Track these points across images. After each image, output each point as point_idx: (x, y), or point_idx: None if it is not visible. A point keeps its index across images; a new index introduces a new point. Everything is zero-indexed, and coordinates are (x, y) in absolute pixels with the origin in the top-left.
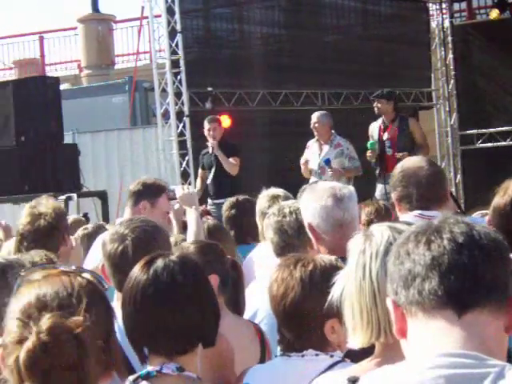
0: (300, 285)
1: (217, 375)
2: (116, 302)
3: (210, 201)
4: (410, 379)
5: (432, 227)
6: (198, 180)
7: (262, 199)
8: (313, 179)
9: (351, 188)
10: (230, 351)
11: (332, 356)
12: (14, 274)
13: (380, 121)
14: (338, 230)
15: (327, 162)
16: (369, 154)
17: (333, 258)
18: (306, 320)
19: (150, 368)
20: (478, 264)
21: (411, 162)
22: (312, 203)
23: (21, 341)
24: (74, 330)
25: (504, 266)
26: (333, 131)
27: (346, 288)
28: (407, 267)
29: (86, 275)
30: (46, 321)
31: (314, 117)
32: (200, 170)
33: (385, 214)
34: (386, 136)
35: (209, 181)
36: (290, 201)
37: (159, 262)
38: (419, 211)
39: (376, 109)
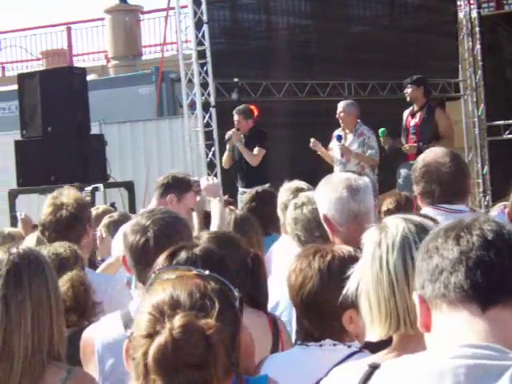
0: (318, 275)
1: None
2: (137, 292)
3: (240, 189)
4: (431, 368)
5: (462, 224)
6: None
7: (285, 192)
8: (336, 168)
9: (366, 179)
10: (251, 342)
11: (350, 346)
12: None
13: (410, 108)
14: (353, 221)
15: (339, 138)
16: (382, 141)
17: (351, 248)
18: (323, 310)
19: None
20: (505, 261)
21: (433, 155)
22: (327, 195)
23: (151, 335)
24: (205, 331)
25: None
26: (359, 120)
27: (362, 281)
28: (435, 262)
29: (219, 282)
30: (179, 318)
31: (340, 106)
32: (227, 152)
33: (405, 204)
34: (413, 122)
35: (239, 169)
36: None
37: (182, 255)
38: (441, 205)
39: (407, 95)
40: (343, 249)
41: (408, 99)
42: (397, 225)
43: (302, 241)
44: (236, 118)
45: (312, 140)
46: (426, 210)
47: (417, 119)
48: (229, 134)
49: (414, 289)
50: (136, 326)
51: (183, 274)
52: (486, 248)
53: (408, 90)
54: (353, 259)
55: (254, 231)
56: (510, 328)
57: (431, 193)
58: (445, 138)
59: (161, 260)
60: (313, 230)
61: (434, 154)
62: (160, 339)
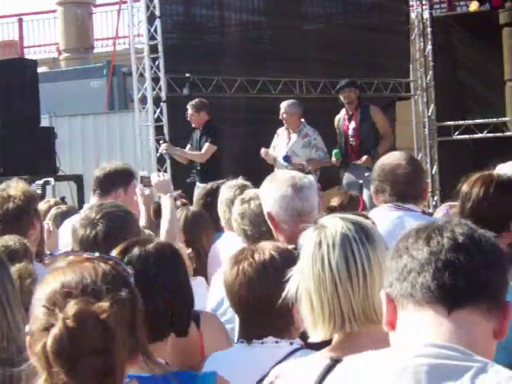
0: (256, 273)
1: (185, 361)
2: None
3: (198, 184)
4: (394, 365)
5: (434, 225)
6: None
7: (228, 189)
8: (277, 168)
9: (311, 178)
10: (197, 339)
11: (292, 343)
12: None
13: (343, 112)
14: (296, 219)
15: (286, 159)
16: (334, 161)
17: (289, 246)
18: (264, 308)
19: None
20: (474, 265)
21: (392, 158)
22: (272, 192)
23: (47, 328)
24: (99, 316)
25: (500, 272)
26: (302, 120)
27: (303, 282)
28: (404, 261)
29: (111, 261)
30: (71, 307)
31: (282, 107)
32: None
33: (349, 202)
34: (351, 126)
35: (196, 164)
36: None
37: (135, 251)
38: (394, 203)
39: (345, 99)
40: (280, 246)
41: (347, 102)
42: (335, 224)
43: (248, 235)
44: (189, 111)
45: (263, 151)
46: (381, 207)
47: (354, 123)
48: (161, 149)
49: (383, 287)
50: (33, 321)
51: (73, 260)
52: (456, 250)
53: (349, 94)
54: (289, 256)
55: (205, 227)
56: (474, 331)
57: (384, 191)
58: (385, 135)
59: (113, 255)
60: (260, 225)
61: (392, 155)
62: (55, 331)
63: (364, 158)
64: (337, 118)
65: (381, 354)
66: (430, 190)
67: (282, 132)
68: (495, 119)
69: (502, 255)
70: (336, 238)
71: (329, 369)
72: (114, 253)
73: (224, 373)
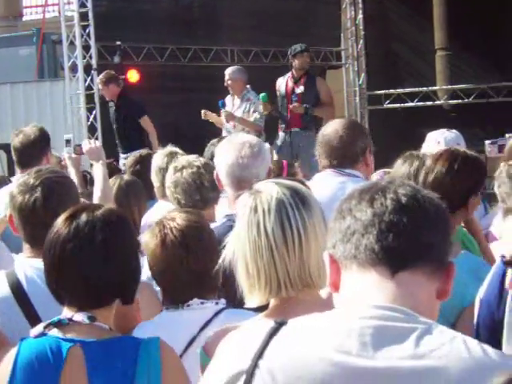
0: (178, 246)
1: (122, 329)
2: (23, 253)
3: (121, 155)
4: (339, 326)
5: (377, 187)
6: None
7: (159, 156)
8: (224, 132)
9: (261, 146)
10: (136, 311)
11: (217, 303)
12: None
13: (288, 75)
14: (237, 185)
15: (222, 104)
16: (262, 106)
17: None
18: (189, 278)
19: (61, 315)
20: (417, 226)
21: (331, 123)
22: (219, 155)
23: None
24: None
25: (443, 232)
26: (248, 86)
27: (238, 248)
28: (347, 223)
29: None
30: None
31: (227, 73)
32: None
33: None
34: (297, 90)
35: (119, 135)
36: (194, 156)
37: (83, 217)
38: (336, 168)
39: (303, 64)
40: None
41: (300, 68)
42: (270, 189)
43: (182, 204)
44: (99, 86)
45: (203, 112)
46: (323, 172)
47: (300, 87)
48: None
49: (325, 248)
50: None
51: None
52: (399, 212)
53: (306, 59)
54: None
55: (139, 196)
56: (418, 292)
57: (322, 156)
58: (326, 104)
59: (60, 220)
60: (193, 194)
61: (333, 122)
62: None
63: (297, 104)
64: (279, 80)
65: (326, 316)
66: None
67: (228, 99)
68: (425, 88)
69: (446, 216)
70: (271, 204)
71: (274, 331)
72: (62, 218)
73: None
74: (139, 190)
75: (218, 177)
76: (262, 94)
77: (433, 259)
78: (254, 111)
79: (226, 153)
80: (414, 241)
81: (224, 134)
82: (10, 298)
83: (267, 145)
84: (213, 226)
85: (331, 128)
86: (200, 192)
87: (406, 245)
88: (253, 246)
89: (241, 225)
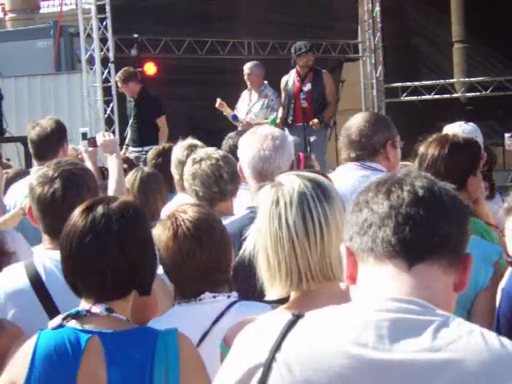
0: (190, 239)
1: (140, 320)
2: (43, 245)
3: (130, 148)
4: (356, 319)
5: (394, 179)
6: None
7: (179, 149)
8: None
9: (286, 139)
10: (153, 303)
11: (229, 296)
12: None
13: (293, 73)
14: (258, 178)
15: (234, 118)
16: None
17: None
18: (200, 271)
19: (80, 307)
20: (434, 218)
21: (354, 117)
22: (243, 147)
23: None
24: None
25: (460, 224)
26: (265, 82)
27: (259, 240)
28: (364, 215)
29: None
30: None
31: (246, 68)
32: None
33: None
34: (305, 88)
35: (133, 129)
36: (212, 148)
37: (99, 209)
38: (358, 162)
39: (307, 63)
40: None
41: (304, 66)
42: (292, 181)
43: (200, 196)
44: (118, 85)
45: (218, 101)
46: (345, 165)
47: (308, 85)
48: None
49: (342, 240)
50: None
51: None
52: (416, 204)
53: (310, 58)
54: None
55: (159, 188)
56: (435, 285)
57: (343, 149)
58: (331, 102)
59: (77, 213)
60: (211, 186)
61: (356, 115)
62: None
63: (316, 121)
64: (284, 79)
65: (342, 308)
66: None
67: (244, 94)
68: (442, 81)
69: (463, 208)
70: (293, 196)
71: (291, 324)
72: (78, 210)
73: None
74: (159, 183)
75: (241, 169)
76: (272, 119)
77: (449, 251)
78: (272, 109)
79: (248, 145)
80: (430, 233)
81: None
82: (29, 290)
83: (290, 137)
84: (234, 217)
85: (352, 121)
86: (218, 184)
87: (423, 237)
88: (274, 239)
89: (262, 217)
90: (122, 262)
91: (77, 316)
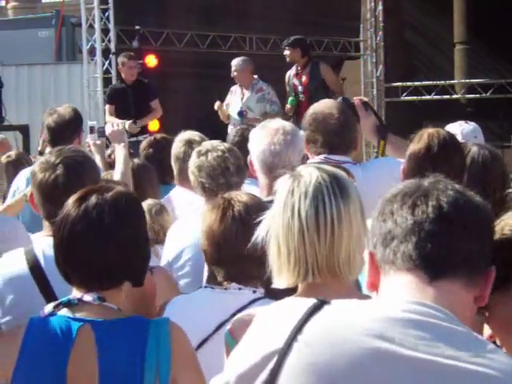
0: (236, 223)
1: (141, 311)
2: (43, 231)
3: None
4: (383, 314)
5: (421, 190)
6: (108, 115)
7: (178, 143)
8: (230, 128)
9: (297, 133)
10: (152, 289)
11: (255, 292)
12: None
13: (294, 68)
14: (267, 172)
15: (240, 114)
16: (287, 109)
17: (252, 195)
18: (240, 256)
19: (71, 296)
20: (457, 235)
21: (323, 106)
22: (253, 140)
23: None
24: None
25: (484, 239)
26: (255, 76)
27: (273, 227)
28: (388, 227)
29: None
30: None
31: (233, 64)
32: (108, 105)
33: None
34: (298, 82)
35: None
36: (217, 140)
37: (92, 199)
38: (324, 155)
39: (288, 57)
40: (247, 196)
41: (288, 60)
42: (310, 173)
43: (206, 188)
44: (130, 63)
45: (217, 103)
46: (312, 159)
47: (303, 79)
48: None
49: (353, 239)
50: None
51: None
52: (440, 221)
53: (286, 52)
54: (258, 206)
55: (150, 179)
56: (455, 301)
57: (315, 142)
58: (335, 91)
59: (70, 202)
60: (217, 177)
61: (324, 104)
62: None
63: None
64: (287, 74)
65: (369, 303)
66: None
67: (235, 89)
68: (443, 81)
69: (488, 221)
70: (309, 188)
71: (315, 308)
72: (72, 199)
73: (182, 316)
74: (150, 174)
75: (251, 162)
76: (291, 99)
77: (472, 268)
78: (272, 102)
79: (259, 138)
80: (453, 251)
81: (230, 126)
82: (28, 276)
83: (302, 132)
84: None
85: (326, 111)
86: (224, 176)
87: (445, 254)
88: (286, 227)
89: (277, 205)
90: (114, 254)
91: (68, 304)
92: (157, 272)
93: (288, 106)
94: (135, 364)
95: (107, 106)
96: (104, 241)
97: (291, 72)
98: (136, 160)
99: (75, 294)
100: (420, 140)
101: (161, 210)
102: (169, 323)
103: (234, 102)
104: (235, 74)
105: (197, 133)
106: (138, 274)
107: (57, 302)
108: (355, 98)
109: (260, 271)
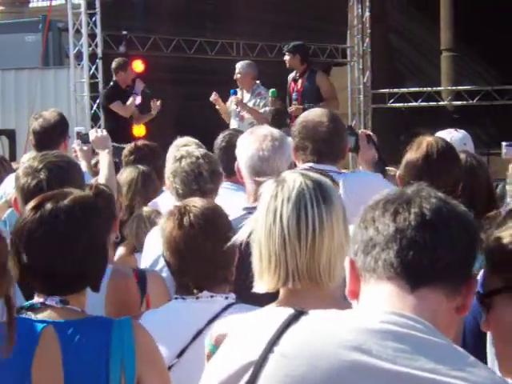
0: (194, 228)
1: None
2: None
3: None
4: (360, 325)
5: (403, 198)
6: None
7: (173, 148)
8: (232, 122)
9: (285, 140)
10: (136, 294)
11: (227, 298)
12: None
13: (294, 73)
14: (255, 177)
15: (234, 92)
16: (270, 100)
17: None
18: (202, 264)
19: (34, 300)
20: (439, 244)
21: (313, 114)
22: (241, 146)
23: None
24: None
25: (468, 248)
26: (257, 81)
27: (256, 231)
28: (370, 234)
29: None
30: None
31: (237, 67)
32: (115, 103)
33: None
34: (295, 88)
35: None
36: (193, 146)
37: (47, 207)
38: (311, 164)
39: (286, 62)
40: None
41: (287, 66)
42: (294, 179)
43: (180, 194)
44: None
45: (214, 94)
46: (299, 167)
47: (298, 85)
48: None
49: (335, 246)
50: None
51: None
52: (423, 229)
53: (286, 58)
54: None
55: (154, 187)
56: (436, 309)
57: (304, 150)
58: (328, 99)
59: (27, 209)
60: (191, 183)
61: (314, 112)
62: None
63: (299, 107)
64: (290, 76)
65: (347, 313)
66: None
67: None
68: (430, 88)
69: (472, 230)
70: (292, 193)
71: (292, 319)
72: (28, 207)
73: (158, 329)
74: (155, 181)
75: (238, 168)
76: (272, 90)
77: (454, 276)
78: (265, 105)
79: (247, 144)
80: (435, 259)
81: (232, 121)
82: None
83: (290, 139)
84: (231, 218)
85: (316, 119)
86: (197, 182)
87: (427, 262)
88: (267, 232)
89: (260, 209)
90: (69, 262)
91: (31, 308)
92: (152, 276)
93: (270, 97)
94: (100, 363)
95: (116, 103)
96: (59, 251)
97: (291, 75)
98: (141, 167)
99: (37, 298)
100: (418, 148)
101: (158, 217)
102: (132, 322)
103: (234, 105)
104: (238, 76)
105: (194, 139)
106: (95, 280)
107: (19, 307)
108: (361, 130)
109: (226, 274)
